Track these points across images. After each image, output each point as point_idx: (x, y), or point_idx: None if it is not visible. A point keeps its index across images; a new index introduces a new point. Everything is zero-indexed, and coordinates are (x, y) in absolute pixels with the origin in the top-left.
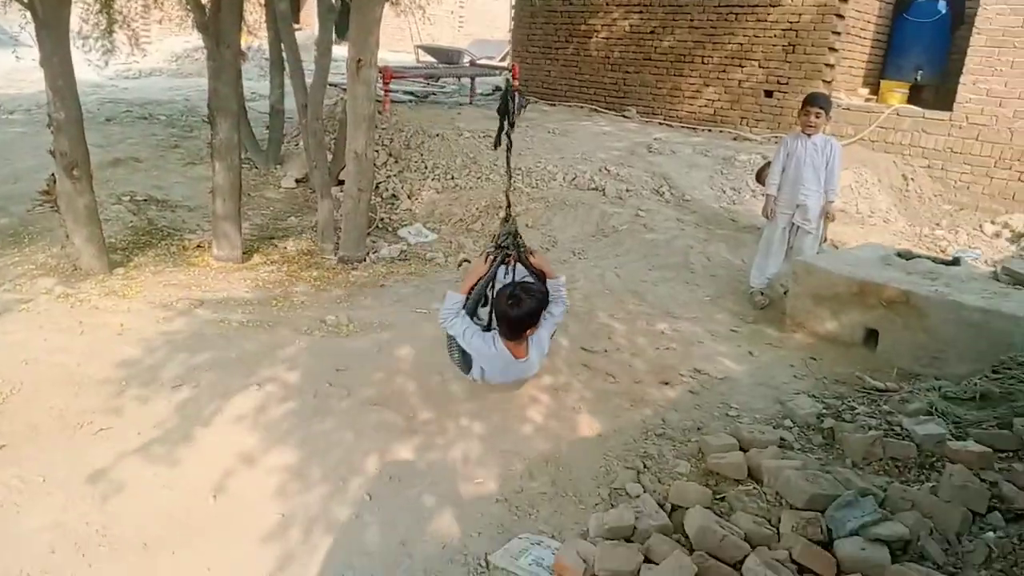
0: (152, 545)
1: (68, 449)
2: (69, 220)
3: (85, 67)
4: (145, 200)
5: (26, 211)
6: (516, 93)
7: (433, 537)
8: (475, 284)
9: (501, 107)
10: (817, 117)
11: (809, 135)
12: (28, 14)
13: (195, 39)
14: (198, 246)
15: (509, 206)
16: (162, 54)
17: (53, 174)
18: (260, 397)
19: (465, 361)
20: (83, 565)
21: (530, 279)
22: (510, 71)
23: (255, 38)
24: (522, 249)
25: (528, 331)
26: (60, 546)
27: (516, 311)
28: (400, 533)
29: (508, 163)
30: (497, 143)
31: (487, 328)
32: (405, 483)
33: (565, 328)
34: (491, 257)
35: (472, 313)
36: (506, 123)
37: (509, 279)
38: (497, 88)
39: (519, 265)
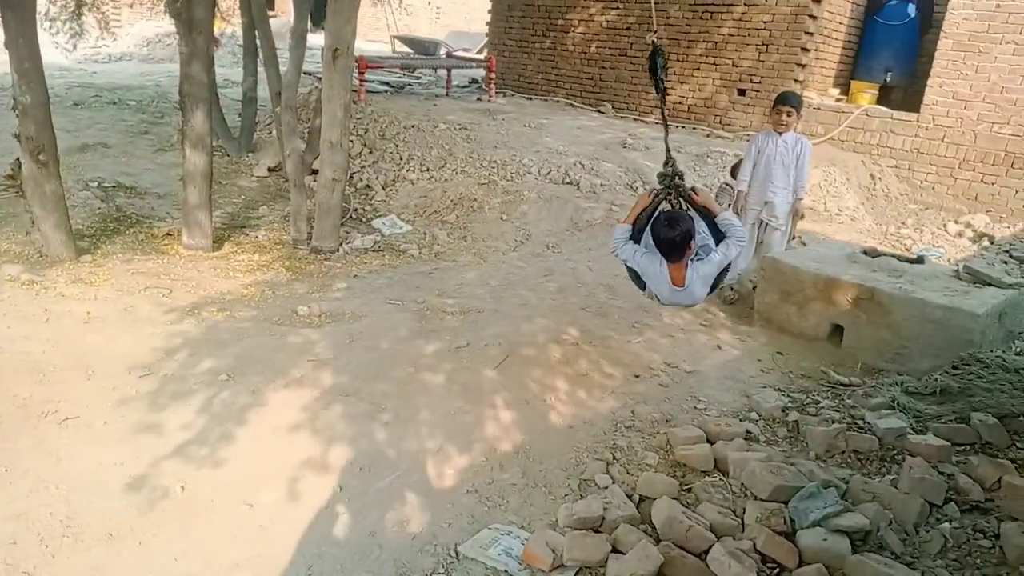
0: (117, 535)
1: (32, 438)
2: (35, 206)
3: (52, 50)
4: (114, 187)
5: None
6: (661, 50)
7: (403, 528)
8: (639, 215)
9: (651, 66)
10: (788, 116)
11: (780, 133)
12: None
13: (167, 24)
14: (167, 234)
15: (668, 151)
16: (133, 39)
17: (18, 159)
18: (227, 386)
19: (639, 282)
20: (46, 556)
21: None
22: (486, 63)
23: (228, 24)
24: (681, 189)
25: (685, 255)
26: (23, 537)
27: (667, 232)
28: (370, 523)
29: (664, 115)
30: (658, 90)
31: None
32: (375, 474)
33: (538, 320)
34: (655, 192)
35: (637, 241)
36: (659, 80)
37: None
38: (473, 80)
39: (684, 204)
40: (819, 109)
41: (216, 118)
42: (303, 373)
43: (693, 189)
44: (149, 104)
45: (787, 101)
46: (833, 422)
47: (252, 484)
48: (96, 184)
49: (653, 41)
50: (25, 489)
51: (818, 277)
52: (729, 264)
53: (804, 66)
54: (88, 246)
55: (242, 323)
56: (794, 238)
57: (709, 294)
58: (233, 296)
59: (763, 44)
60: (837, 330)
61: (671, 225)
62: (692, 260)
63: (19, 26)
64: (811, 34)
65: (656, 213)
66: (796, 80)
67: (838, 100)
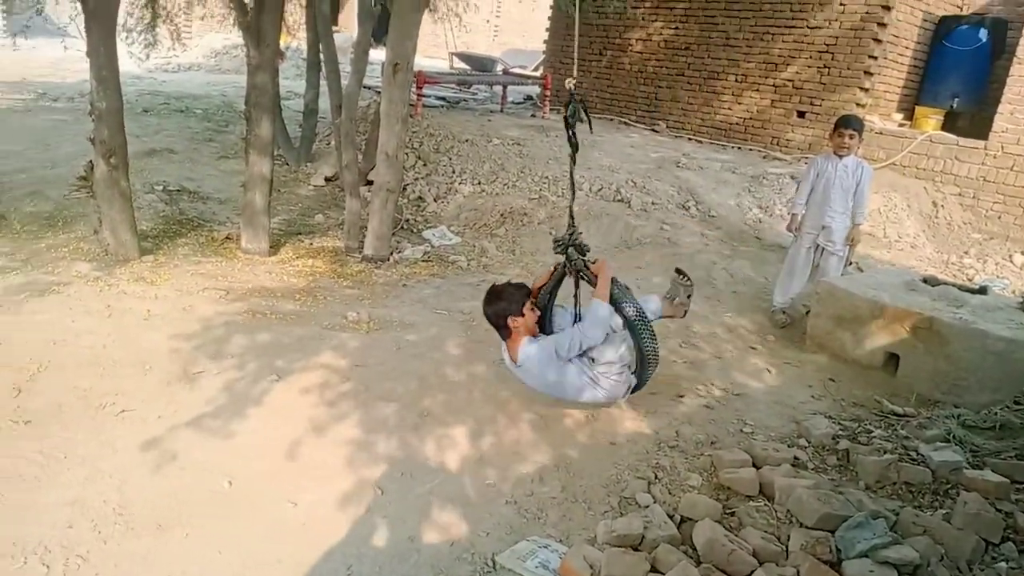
0: (166, 526)
1: (90, 428)
2: (104, 206)
3: (127, 59)
4: (178, 190)
5: (63, 196)
6: (580, 105)
7: (441, 534)
8: (539, 290)
9: (567, 117)
10: (851, 139)
11: (841, 157)
12: (78, 5)
13: (234, 37)
14: (227, 238)
15: (572, 217)
16: (202, 50)
17: (91, 161)
18: (277, 389)
19: None
20: (99, 541)
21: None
22: (542, 80)
23: (293, 38)
24: (576, 261)
25: (507, 332)
26: (78, 521)
27: (484, 307)
28: (409, 528)
29: (572, 175)
30: (572, 146)
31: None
32: (415, 479)
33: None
34: (555, 266)
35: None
36: (572, 134)
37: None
38: (528, 97)
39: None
40: (881, 134)
41: (278, 128)
42: (350, 378)
43: (594, 261)
44: (214, 113)
45: (849, 124)
46: (885, 452)
47: (296, 483)
48: (161, 188)
49: (570, 89)
50: (82, 476)
51: (875, 304)
52: (640, 356)
53: (867, 89)
54: (151, 246)
55: (294, 327)
56: (850, 264)
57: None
58: (287, 300)
59: (824, 66)
60: (892, 359)
61: (486, 300)
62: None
63: (101, 36)
64: (875, 58)
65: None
66: (858, 103)
67: (901, 125)
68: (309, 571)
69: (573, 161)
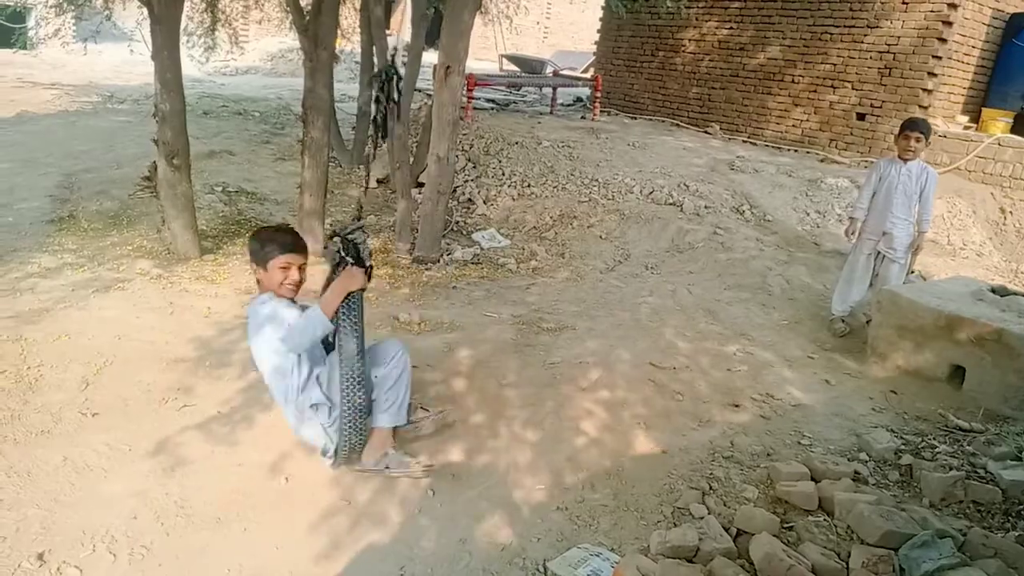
0: (225, 520)
1: (154, 422)
2: (167, 206)
3: (187, 62)
4: (236, 191)
5: (127, 195)
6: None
7: (492, 538)
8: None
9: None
10: (917, 142)
11: (905, 161)
12: (144, 11)
13: (290, 40)
14: None
15: (360, 211)
16: (258, 53)
17: (155, 162)
18: None
19: None
20: (161, 533)
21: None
22: (593, 81)
23: (348, 42)
24: (350, 259)
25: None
26: (142, 513)
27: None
28: (460, 531)
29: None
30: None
31: None
32: (465, 483)
33: (634, 341)
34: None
35: None
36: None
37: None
38: (578, 99)
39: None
40: (945, 137)
41: (332, 131)
42: None
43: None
44: (271, 115)
45: (916, 127)
46: (951, 469)
47: (350, 480)
48: (221, 188)
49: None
50: (145, 469)
51: (939, 314)
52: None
53: (930, 91)
54: (211, 246)
55: None
56: (912, 272)
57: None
58: None
59: (886, 67)
60: (958, 371)
61: (253, 234)
62: None
63: (165, 40)
64: (939, 58)
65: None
66: (921, 106)
67: (967, 128)
68: (362, 570)
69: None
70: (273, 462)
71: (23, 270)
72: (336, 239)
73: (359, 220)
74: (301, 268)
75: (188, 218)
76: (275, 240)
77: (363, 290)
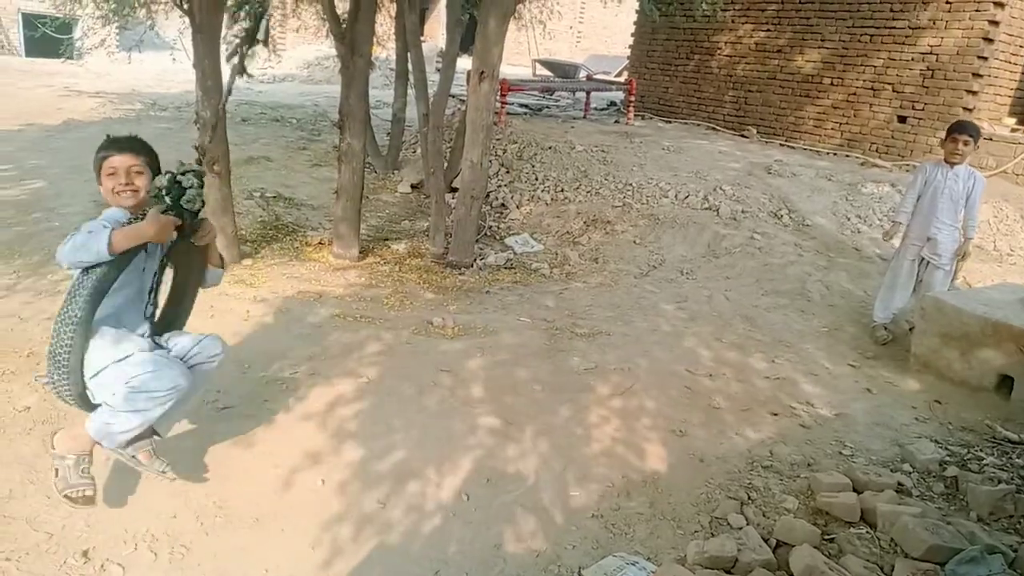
0: (263, 521)
1: (193, 423)
2: (207, 211)
3: (226, 70)
4: (274, 197)
5: None
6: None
7: (526, 544)
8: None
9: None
10: (965, 146)
11: (952, 165)
12: (186, 21)
13: (326, 48)
14: (319, 243)
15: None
16: (295, 61)
17: None
18: (366, 390)
19: None
20: (201, 532)
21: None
22: (627, 85)
23: (383, 49)
24: (168, 200)
25: None
26: (182, 513)
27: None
28: (494, 536)
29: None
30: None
31: None
32: (500, 488)
33: (669, 347)
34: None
35: None
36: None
37: None
38: (612, 103)
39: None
40: (991, 140)
41: (367, 137)
42: (436, 381)
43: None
44: (307, 122)
45: (965, 130)
46: (1000, 482)
47: (385, 483)
48: (259, 194)
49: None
50: (186, 468)
51: (986, 321)
52: None
53: (975, 93)
54: (250, 250)
55: (382, 331)
56: (956, 278)
57: None
58: (374, 304)
59: (929, 69)
60: (1006, 381)
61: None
62: None
63: (206, 49)
64: (985, 59)
65: None
66: (965, 108)
67: (1014, 130)
68: (397, 572)
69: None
70: (310, 464)
71: (66, 273)
72: (165, 175)
73: (199, 165)
74: (134, 173)
75: (228, 223)
76: (103, 145)
77: (165, 246)
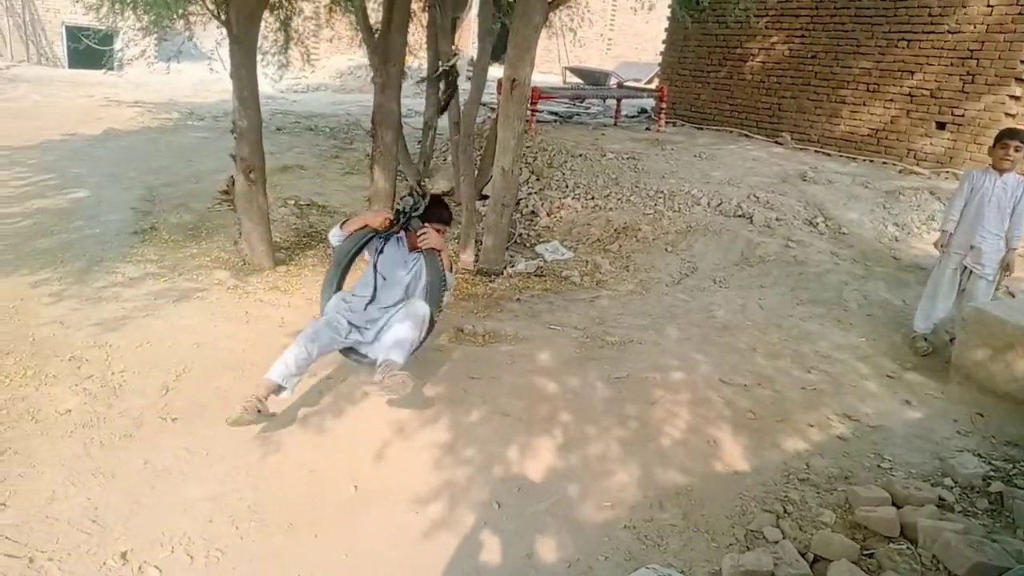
0: (296, 526)
1: (230, 428)
2: (244, 219)
3: (261, 80)
4: (308, 204)
5: (206, 208)
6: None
7: (558, 554)
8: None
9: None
10: (1017, 151)
11: (1002, 172)
12: (223, 32)
13: (358, 58)
14: None
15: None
16: (328, 71)
17: (232, 176)
18: (398, 400)
19: None
20: (236, 537)
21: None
22: (658, 92)
23: (415, 58)
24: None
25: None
26: (217, 517)
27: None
28: (526, 545)
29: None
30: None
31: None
32: (532, 496)
33: (702, 356)
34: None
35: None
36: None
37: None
38: (643, 110)
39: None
40: None
41: (400, 144)
42: (467, 388)
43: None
44: (340, 131)
45: (1016, 135)
46: None
47: (417, 491)
48: (293, 202)
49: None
50: (222, 473)
51: None
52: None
53: (1018, 98)
54: (284, 257)
55: None
56: (999, 288)
57: None
58: None
59: (967, 72)
60: None
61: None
62: None
63: (243, 58)
64: None
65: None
66: (1007, 113)
67: None
68: None
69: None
70: (343, 469)
71: (108, 279)
72: (410, 197)
73: (421, 194)
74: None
75: (263, 230)
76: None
77: (379, 233)
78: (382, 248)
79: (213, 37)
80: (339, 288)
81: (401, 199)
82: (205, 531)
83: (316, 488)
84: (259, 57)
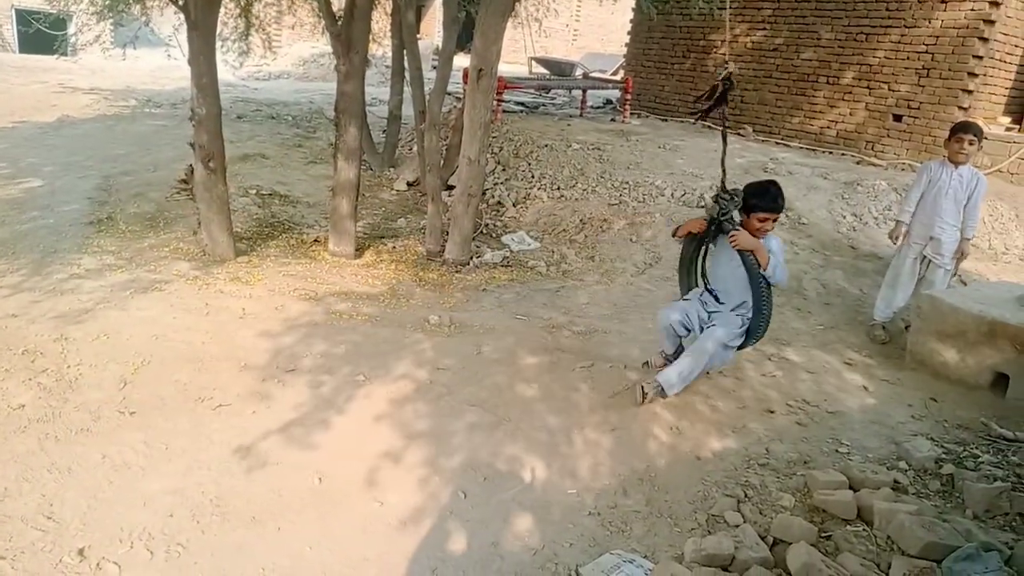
0: (259, 519)
1: (189, 421)
2: (203, 208)
3: (221, 67)
4: (270, 194)
5: (164, 198)
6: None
7: (523, 542)
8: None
9: (716, 94)
10: (970, 145)
11: (957, 165)
12: (181, 17)
13: (322, 45)
14: (315, 240)
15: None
16: (290, 58)
17: (191, 165)
18: (363, 389)
19: None
20: (197, 531)
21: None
22: (623, 83)
23: (379, 46)
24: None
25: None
26: (178, 511)
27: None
28: (492, 533)
29: (724, 138)
30: (702, 117)
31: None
32: (498, 486)
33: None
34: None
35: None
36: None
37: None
38: (608, 101)
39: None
40: (986, 139)
41: (364, 134)
42: (432, 381)
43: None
44: (303, 119)
45: (969, 129)
46: (995, 480)
47: (382, 482)
48: (255, 191)
49: (729, 73)
50: (182, 467)
51: (982, 319)
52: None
53: (970, 92)
54: (245, 248)
55: (379, 328)
56: (954, 275)
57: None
58: (371, 302)
59: (924, 68)
60: (1001, 379)
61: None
62: None
63: (202, 45)
64: (980, 58)
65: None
66: (960, 107)
67: (1008, 129)
68: (394, 571)
69: (724, 141)
70: (307, 462)
71: (64, 271)
72: (715, 203)
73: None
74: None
75: (224, 220)
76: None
77: (699, 235)
78: (705, 251)
79: (171, 22)
80: (693, 283)
81: (713, 201)
82: (166, 526)
83: (280, 481)
84: (219, 43)
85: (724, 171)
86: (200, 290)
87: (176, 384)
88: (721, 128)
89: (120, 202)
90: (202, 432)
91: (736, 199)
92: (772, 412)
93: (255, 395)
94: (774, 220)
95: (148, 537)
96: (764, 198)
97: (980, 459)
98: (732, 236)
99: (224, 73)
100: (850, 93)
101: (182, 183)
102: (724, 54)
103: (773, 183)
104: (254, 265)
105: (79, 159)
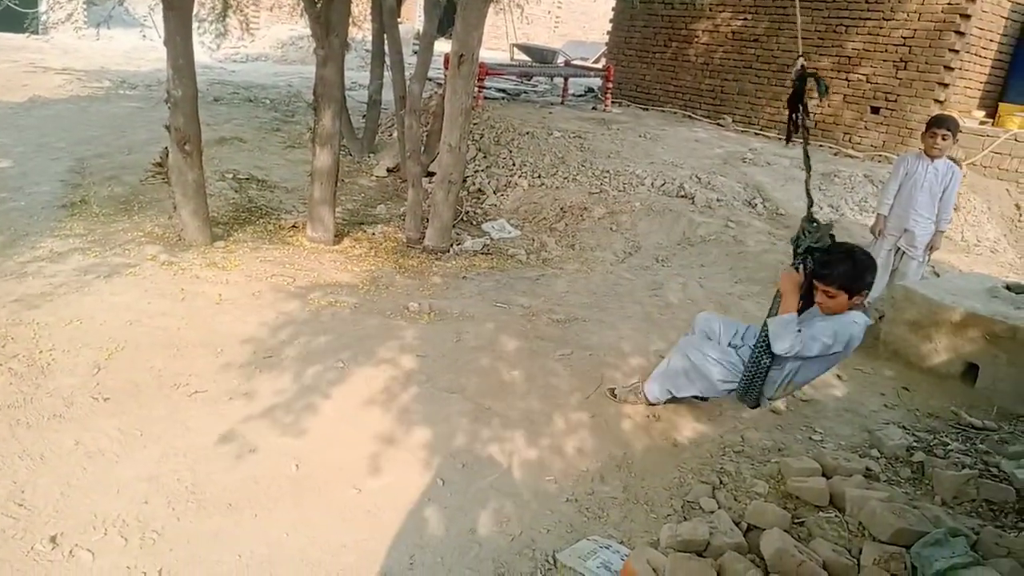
0: (236, 506)
1: (165, 407)
2: (178, 192)
3: (198, 49)
4: (247, 179)
5: (139, 181)
6: (815, 79)
7: (501, 528)
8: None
9: (792, 96)
10: (944, 139)
11: (932, 158)
12: None
13: (300, 27)
14: (293, 226)
15: (811, 204)
16: (269, 40)
17: (166, 148)
18: (341, 376)
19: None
20: (172, 518)
21: None
22: (604, 72)
23: (359, 29)
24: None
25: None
26: (153, 498)
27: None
28: (470, 520)
29: (806, 155)
30: (789, 138)
31: None
32: (476, 473)
33: (644, 333)
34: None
35: None
36: (799, 114)
37: None
38: (589, 89)
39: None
40: (960, 131)
41: (343, 119)
42: (411, 368)
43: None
44: (281, 103)
45: (944, 123)
46: (964, 467)
47: (361, 469)
48: (231, 176)
49: (802, 65)
50: (157, 454)
51: (953, 310)
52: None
53: (946, 85)
54: (222, 233)
55: (357, 315)
56: (927, 266)
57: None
58: (350, 289)
59: (901, 60)
60: (971, 369)
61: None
62: None
63: (178, 25)
64: (956, 51)
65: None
66: (936, 100)
67: (983, 123)
68: (372, 558)
69: (806, 142)
70: (284, 449)
71: (32, 254)
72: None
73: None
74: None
75: (199, 205)
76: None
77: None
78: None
79: (146, 2)
80: None
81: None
82: (140, 513)
83: (256, 468)
84: (195, 24)
85: (810, 198)
86: (176, 275)
87: (151, 370)
88: (800, 139)
89: (93, 185)
90: (178, 419)
91: (820, 232)
92: None
93: (232, 382)
94: (852, 298)
95: (122, 524)
96: (838, 266)
97: (949, 447)
98: (784, 273)
99: (201, 55)
100: (829, 85)
101: (157, 166)
102: (795, 50)
103: (855, 251)
104: (231, 251)
105: (51, 140)
